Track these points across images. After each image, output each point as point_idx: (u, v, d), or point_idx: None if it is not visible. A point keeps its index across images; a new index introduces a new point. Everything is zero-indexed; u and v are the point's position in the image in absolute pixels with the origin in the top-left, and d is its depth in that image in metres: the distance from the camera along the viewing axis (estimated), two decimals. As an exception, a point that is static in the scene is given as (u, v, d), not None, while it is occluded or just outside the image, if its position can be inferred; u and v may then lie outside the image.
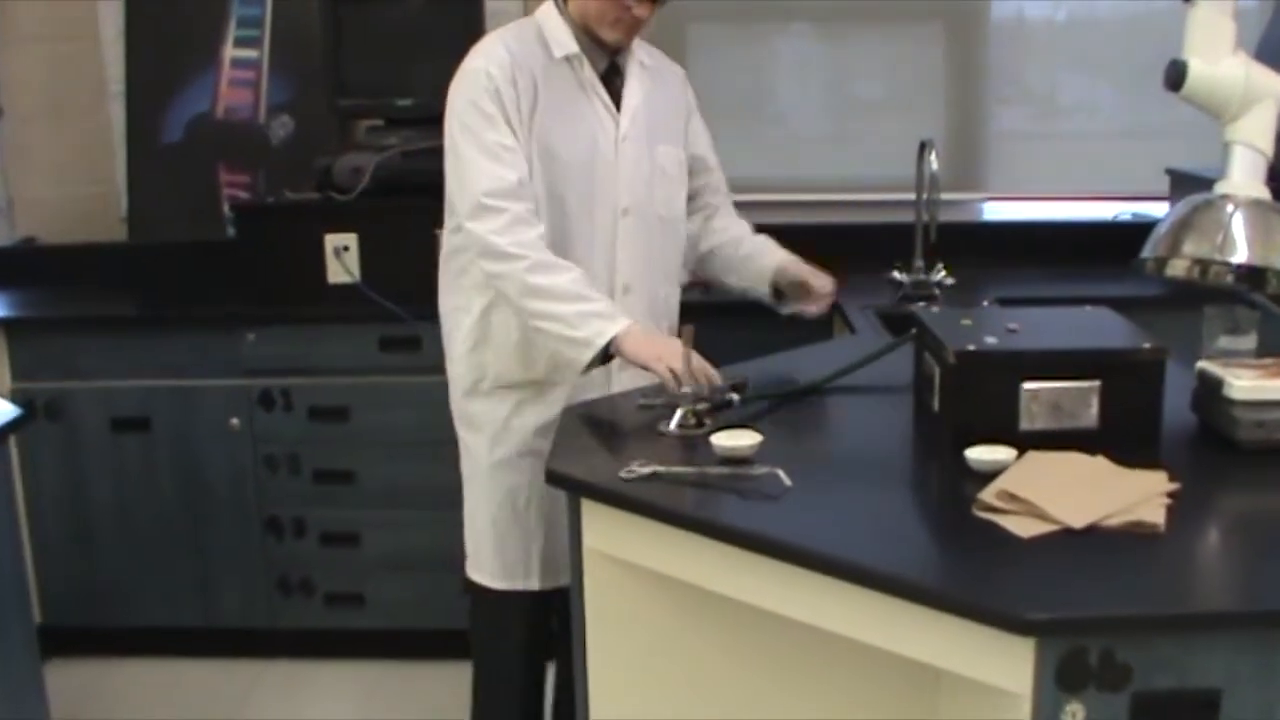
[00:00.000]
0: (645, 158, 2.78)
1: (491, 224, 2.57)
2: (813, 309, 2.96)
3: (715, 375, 2.48)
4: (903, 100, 4.47)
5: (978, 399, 2.22)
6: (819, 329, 3.70)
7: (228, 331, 3.82)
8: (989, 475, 2.08)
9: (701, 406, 2.42)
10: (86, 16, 4.39)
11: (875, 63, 4.49)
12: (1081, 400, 2.22)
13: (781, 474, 2.09)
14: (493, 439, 2.82)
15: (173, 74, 4.35)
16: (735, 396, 2.48)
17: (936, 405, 2.33)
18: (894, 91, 4.49)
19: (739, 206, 4.19)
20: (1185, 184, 4.16)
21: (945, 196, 3.77)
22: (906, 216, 3.97)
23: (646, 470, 2.15)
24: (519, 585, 2.87)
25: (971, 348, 2.23)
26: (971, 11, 4.41)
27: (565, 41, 2.69)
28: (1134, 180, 4.40)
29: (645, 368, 2.47)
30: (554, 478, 2.24)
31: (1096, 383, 2.21)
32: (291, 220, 3.91)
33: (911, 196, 3.81)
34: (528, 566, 2.86)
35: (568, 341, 2.53)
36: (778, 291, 2.98)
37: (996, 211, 4.56)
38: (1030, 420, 2.22)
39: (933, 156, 3.48)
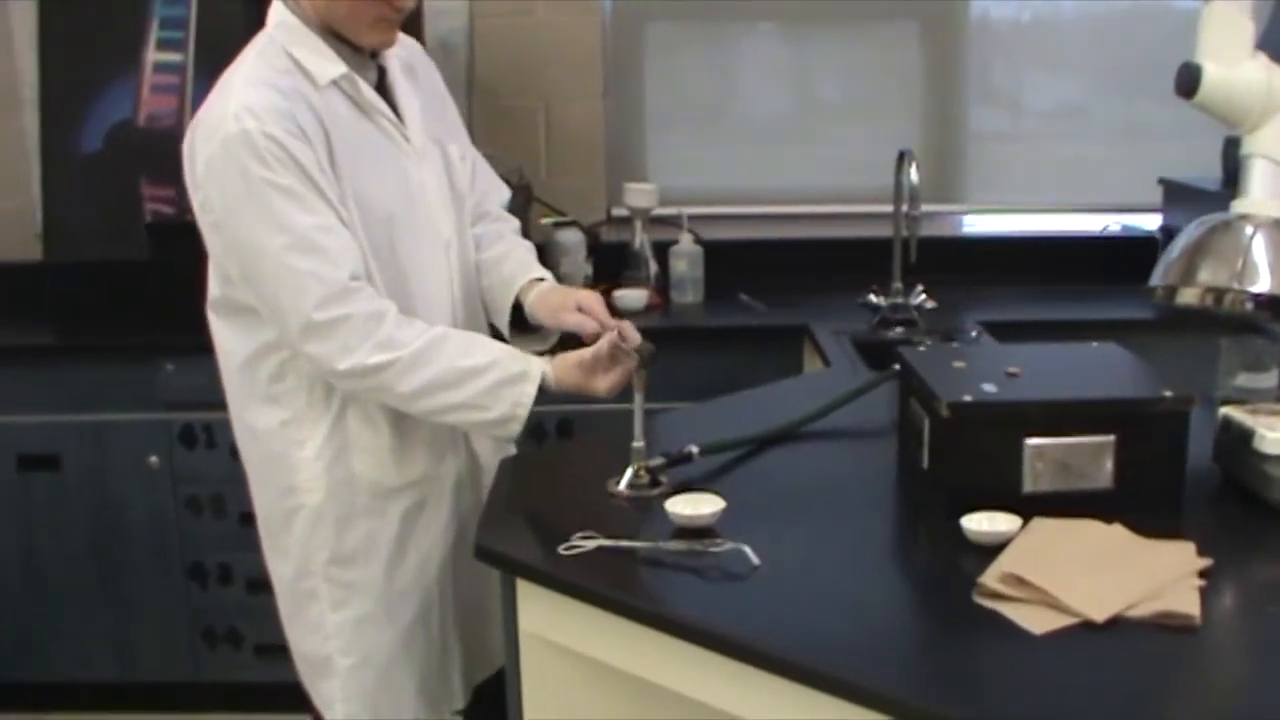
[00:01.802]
0: (442, 170, 2.31)
1: (336, 341, 2.04)
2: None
3: (631, 330, 2.12)
4: (875, 106, 4.20)
5: (975, 457, 1.94)
6: (787, 359, 3.42)
7: (144, 361, 3.51)
8: (989, 549, 1.80)
9: (656, 462, 2.12)
10: (-4, 17, 4.07)
11: (845, 65, 4.21)
12: (1094, 458, 1.94)
13: (748, 550, 1.80)
14: (387, 566, 2.25)
15: (91, 79, 4.03)
16: (694, 450, 2.18)
17: (926, 461, 2.03)
18: (866, 96, 4.21)
19: (697, 220, 3.97)
20: (1179, 195, 3.92)
21: (923, 208, 3.48)
22: (881, 230, 3.69)
23: (590, 545, 1.85)
24: (438, 715, 2.38)
25: (967, 398, 1.93)
26: (948, 11, 4.13)
27: (326, 62, 2.11)
28: (1124, 191, 4.15)
29: (581, 392, 2.16)
30: (484, 554, 1.93)
31: (1111, 438, 1.93)
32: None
33: (887, 209, 3.53)
34: (448, 689, 2.38)
35: (488, 426, 2.15)
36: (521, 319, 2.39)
37: (976, 224, 4.27)
38: (1035, 482, 1.93)
39: (913, 168, 3.18)
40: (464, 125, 2.49)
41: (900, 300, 3.41)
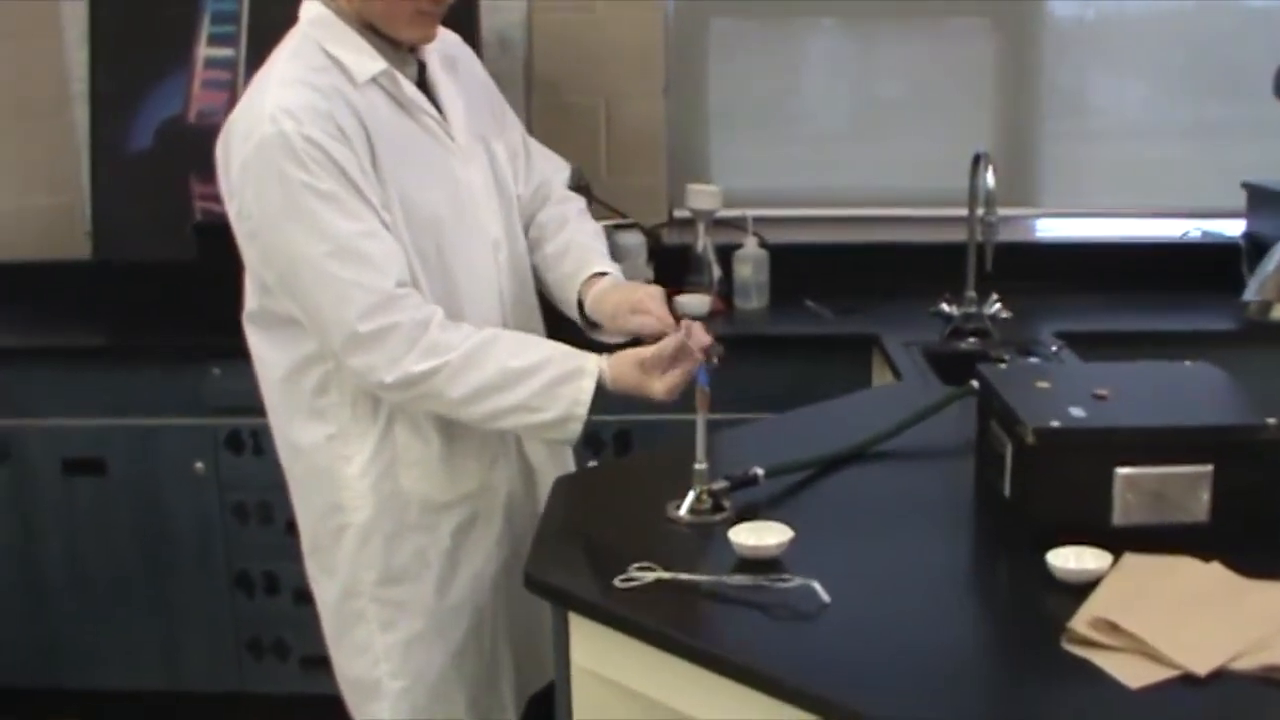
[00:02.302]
0: (488, 168, 2.20)
1: (382, 353, 1.95)
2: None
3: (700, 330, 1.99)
4: (945, 105, 4.03)
5: (1062, 487, 1.80)
6: (856, 370, 3.29)
7: (191, 365, 3.42)
8: (1078, 587, 1.67)
9: (719, 485, 1.99)
10: (47, 13, 4.01)
11: (914, 63, 4.04)
12: (1190, 489, 1.80)
13: (817, 587, 1.67)
14: (439, 584, 2.17)
15: (141, 75, 3.95)
16: (760, 472, 2.05)
17: (1007, 489, 1.90)
18: (935, 95, 4.04)
19: (761, 223, 3.84)
20: (1264, 199, 3.75)
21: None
22: (952, 235, 3.55)
23: (649, 577, 1.73)
24: None
25: (1055, 424, 1.80)
26: (1021, 9, 3.96)
27: (365, 58, 2.01)
28: (1204, 194, 3.97)
29: (638, 393, 2.02)
30: (535, 585, 1.82)
31: (1208, 468, 1.79)
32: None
33: (958, 212, 3.38)
34: (499, 701, 2.29)
35: (545, 428, 2.03)
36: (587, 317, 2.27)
37: (1050, 229, 4.11)
38: (1125, 514, 1.80)
39: (989, 171, 3.03)
40: (514, 112, 2.40)
41: (974, 309, 3.26)
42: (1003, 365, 2.13)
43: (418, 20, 2.02)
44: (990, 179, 3.02)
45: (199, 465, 3.46)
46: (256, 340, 2.14)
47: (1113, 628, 1.54)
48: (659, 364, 1.99)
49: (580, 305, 2.23)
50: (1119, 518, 1.80)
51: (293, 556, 2.71)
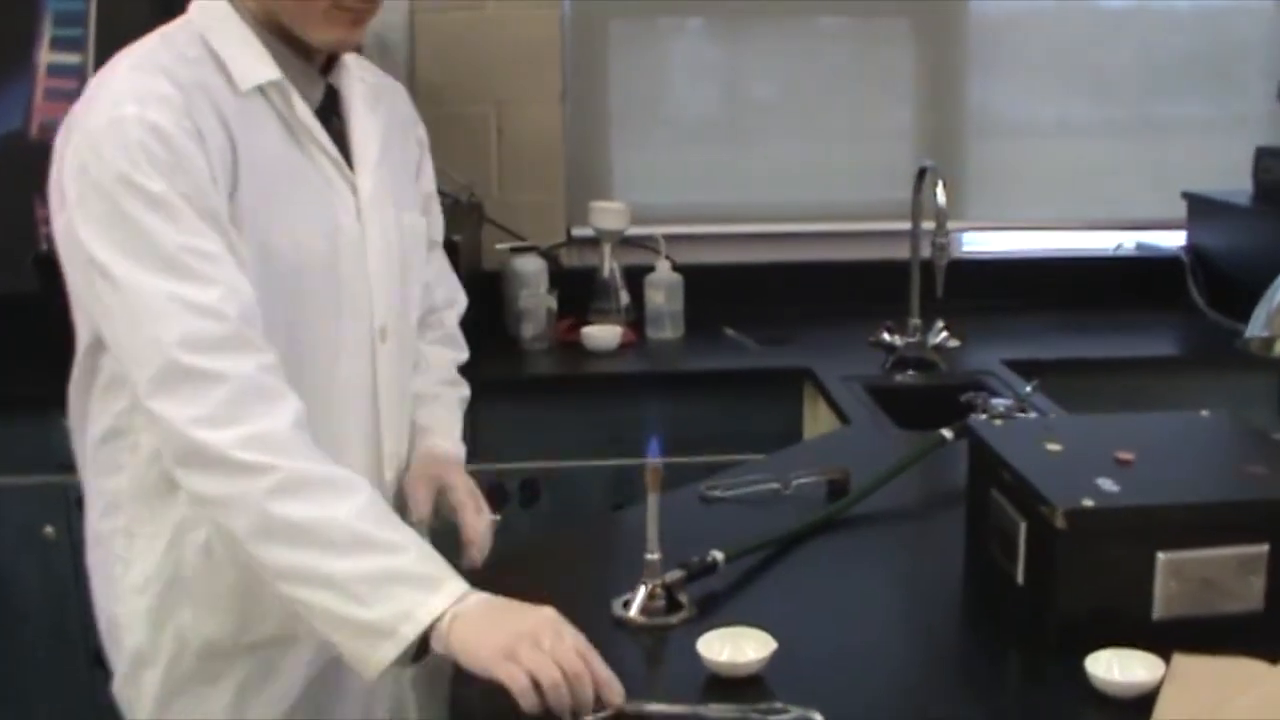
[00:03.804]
0: (393, 236, 1.74)
1: (196, 406, 1.45)
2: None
3: (604, 674, 1.39)
4: (870, 110, 3.74)
5: (1095, 577, 1.51)
6: (786, 409, 2.99)
7: (35, 414, 3.02)
8: (1126, 702, 1.39)
9: (674, 576, 1.66)
10: None
11: (836, 66, 3.74)
12: (1241, 573, 1.53)
13: (818, 718, 1.35)
14: None
15: (-26, 84, 3.55)
16: (719, 556, 1.72)
17: (1020, 574, 1.60)
18: (860, 99, 3.74)
19: (673, 242, 3.52)
20: (1206, 210, 3.53)
21: (910, 226, 3.06)
22: (883, 252, 3.28)
23: (606, 713, 1.39)
24: None
25: (1088, 503, 1.49)
26: (946, 8, 3.69)
27: (256, 63, 1.60)
28: (1140, 204, 3.75)
29: (487, 675, 1.38)
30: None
31: (1263, 547, 1.51)
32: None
33: (890, 226, 3.11)
34: None
35: (353, 630, 1.43)
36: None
37: (978, 244, 3.85)
38: (1168, 605, 1.52)
39: (939, 187, 2.73)
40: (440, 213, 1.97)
41: (917, 338, 2.96)
42: (998, 422, 1.82)
43: (334, 19, 1.59)
44: (941, 195, 2.72)
45: (49, 529, 3.08)
46: (77, 391, 1.71)
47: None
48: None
49: None
50: (1161, 610, 1.51)
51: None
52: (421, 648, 1.42)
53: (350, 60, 1.74)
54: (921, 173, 2.92)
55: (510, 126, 3.61)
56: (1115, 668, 1.43)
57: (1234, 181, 3.51)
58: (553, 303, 3.26)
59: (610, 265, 3.37)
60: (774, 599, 1.71)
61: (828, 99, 3.73)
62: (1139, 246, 3.76)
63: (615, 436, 2.97)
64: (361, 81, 1.75)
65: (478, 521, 1.74)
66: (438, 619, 1.40)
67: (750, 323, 3.36)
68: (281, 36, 1.62)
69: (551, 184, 3.63)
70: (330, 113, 1.68)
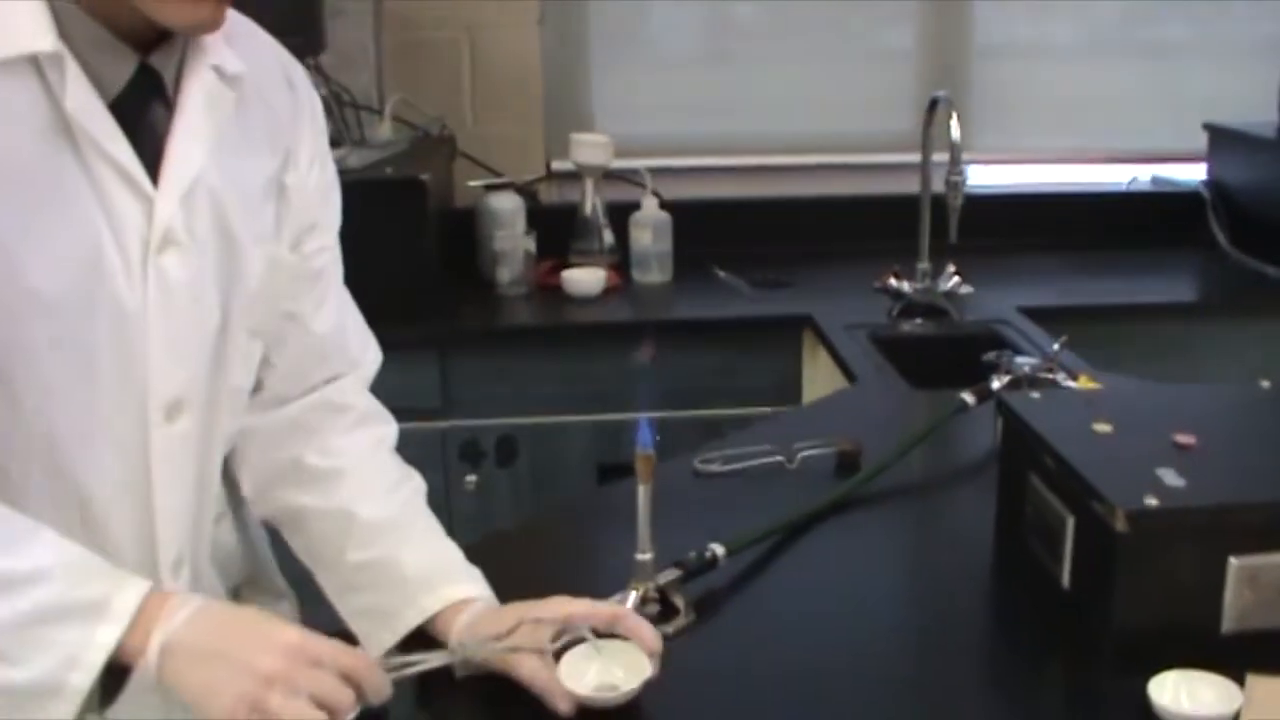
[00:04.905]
0: (209, 274, 1.29)
1: None
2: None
3: (375, 683, 1.15)
4: (866, 32, 3.51)
5: (1158, 585, 1.30)
6: (784, 357, 2.78)
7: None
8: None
9: (668, 577, 1.45)
10: None
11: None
12: (1322, 581, 1.31)
13: None
14: None
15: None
16: (719, 550, 1.52)
17: (1066, 577, 1.39)
18: (854, 19, 3.50)
19: (661, 177, 3.30)
20: (1228, 141, 3.31)
21: (920, 160, 2.84)
22: (888, 187, 3.06)
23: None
24: None
25: (1153, 502, 1.28)
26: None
27: (31, 26, 1.14)
28: (1158, 136, 3.52)
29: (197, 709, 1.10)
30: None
31: (1348, 550, 1.30)
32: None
33: (890, 159, 2.90)
34: None
35: (4, 697, 1.09)
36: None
37: (983, 177, 3.62)
38: (1240, 618, 1.32)
39: (953, 119, 2.50)
40: (336, 218, 1.47)
41: (927, 283, 2.74)
42: (1036, 395, 1.60)
43: None
44: (955, 128, 2.48)
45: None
46: None
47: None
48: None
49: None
50: (1231, 623, 1.31)
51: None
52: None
53: (217, 39, 1.27)
54: (933, 104, 2.68)
55: (483, 53, 3.37)
56: (1184, 696, 1.23)
57: (1259, 112, 3.30)
58: (531, 244, 3.03)
59: (592, 202, 3.15)
60: (780, 597, 1.51)
61: (823, 18, 3.49)
62: (1154, 180, 3.54)
63: (599, 390, 2.75)
64: (214, 69, 1.27)
65: (642, 626, 1.31)
66: (122, 653, 1.09)
67: (744, 264, 3.15)
68: (119, 17, 1.17)
69: (528, 115, 3.40)
70: (142, 106, 1.23)
